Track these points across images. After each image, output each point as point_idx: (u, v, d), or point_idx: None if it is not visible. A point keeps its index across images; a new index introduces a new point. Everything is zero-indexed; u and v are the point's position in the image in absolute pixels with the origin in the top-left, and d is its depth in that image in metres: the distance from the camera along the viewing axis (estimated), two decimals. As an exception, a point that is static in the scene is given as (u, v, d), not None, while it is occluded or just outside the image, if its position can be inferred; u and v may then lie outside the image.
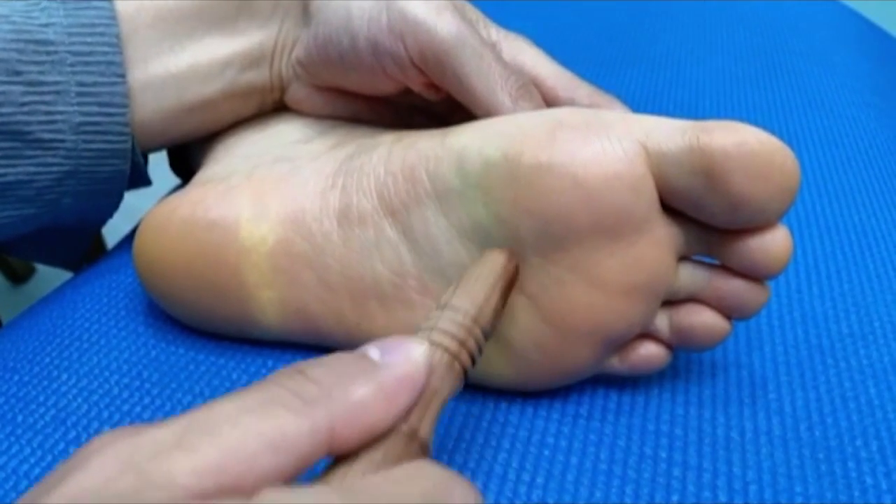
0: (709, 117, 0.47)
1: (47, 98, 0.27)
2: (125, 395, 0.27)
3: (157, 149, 0.33)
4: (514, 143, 0.23)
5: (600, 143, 0.22)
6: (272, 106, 0.33)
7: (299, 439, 0.15)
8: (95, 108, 0.28)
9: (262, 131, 0.32)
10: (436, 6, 0.27)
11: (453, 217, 0.24)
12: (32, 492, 0.15)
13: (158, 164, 0.39)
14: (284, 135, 0.31)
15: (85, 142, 0.28)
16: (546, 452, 0.25)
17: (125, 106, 0.28)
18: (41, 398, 0.27)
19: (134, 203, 0.36)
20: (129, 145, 0.29)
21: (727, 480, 0.24)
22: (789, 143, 0.45)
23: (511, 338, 0.25)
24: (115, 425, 0.26)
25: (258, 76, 0.31)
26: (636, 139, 0.22)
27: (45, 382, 0.28)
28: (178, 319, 0.30)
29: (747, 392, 0.27)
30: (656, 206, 0.23)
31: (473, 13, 0.31)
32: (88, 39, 0.28)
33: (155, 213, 0.29)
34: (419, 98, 0.30)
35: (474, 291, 0.22)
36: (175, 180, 0.40)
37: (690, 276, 0.24)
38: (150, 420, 0.26)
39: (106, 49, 0.28)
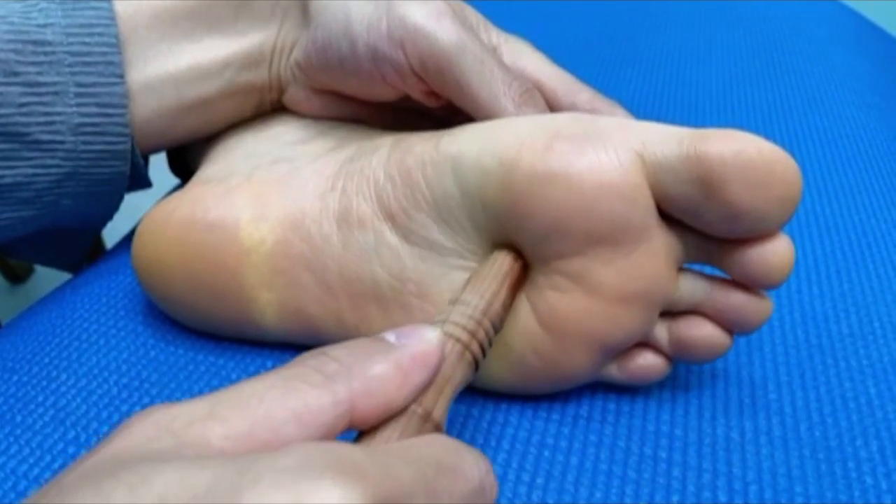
0: (709, 117, 0.47)
1: (46, 99, 0.27)
2: (124, 395, 0.27)
3: (156, 150, 0.33)
4: (510, 152, 0.23)
5: (596, 153, 0.22)
6: (271, 106, 0.33)
7: (322, 411, 0.17)
8: (94, 109, 0.28)
9: (262, 132, 0.32)
10: (436, 12, 0.27)
11: (452, 223, 0.24)
12: (79, 458, 0.16)
13: (158, 164, 0.39)
14: (284, 135, 0.31)
15: (84, 143, 0.28)
16: (546, 453, 0.25)
17: (124, 107, 0.28)
18: (40, 398, 0.27)
19: (134, 203, 0.36)
20: (128, 146, 0.29)
21: (727, 481, 0.24)
22: (789, 142, 0.45)
23: (510, 342, 0.25)
24: (114, 425, 0.26)
25: (257, 77, 0.31)
26: (632, 148, 0.22)
27: (45, 383, 0.28)
28: (177, 320, 0.29)
29: (747, 392, 0.27)
30: (653, 215, 0.23)
31: (474, 17, 0.30)
32: (87, 40, 0.27)
33: (154, 214, 0.29)
34: (419, 102, 0.30)
35: (483, 287, 0.23)
36: (174, 180, 0.40)
37: (690, 287, 0.24)
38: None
39: (105, 49, 0.28)
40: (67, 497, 0.14)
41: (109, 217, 0.32)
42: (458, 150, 0.24)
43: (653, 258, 0.23)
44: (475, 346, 0.21)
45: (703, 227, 0.23)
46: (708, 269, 0.25)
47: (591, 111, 0.29)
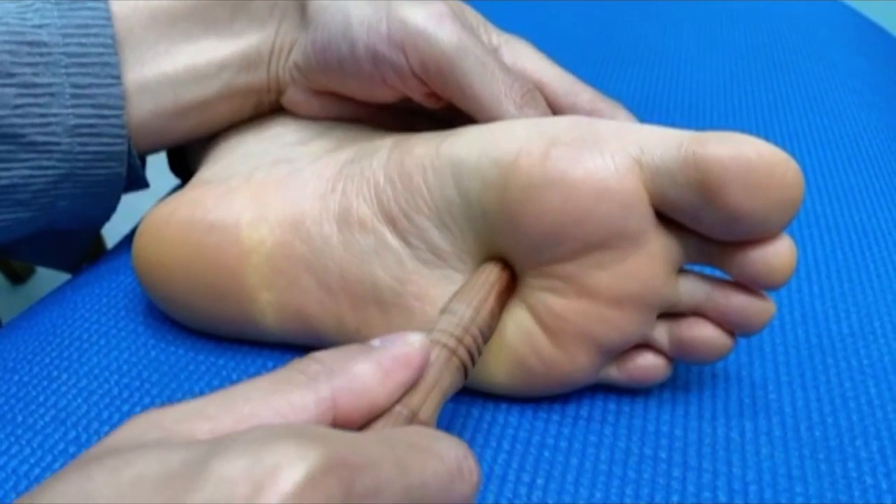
0: (709, 117, 0.47)
1: (41, 100, 0.27)
2: (125, 395, 0.27)
3: (153, 151, 0.33)
4: (509, 158, 0.23)
5: (592, 159, 0.22)
6: (269, 108, 0.33)
7: (305, 408, 0.17)
8: (90, 111, 0.28)
9: (262, 132, 0.32)
10: (436, 14, 0.27)
11: (453, 227, 0.24)
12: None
13: (158, 164, 0.39)
14: (284, 136, 0.31)
15: (80, 144, 0.28)
16: (546, 453, 0.25)
17: (121, 108, 0.28)
18: (41, 398, 0.27)
19: (134, 203, 0.36)
20: (124, 148, 0.29)
21: (727, 481, 0.24)
22: (789, 142, 0.44)
23: (508, 341, 0.25)
24: (115, 425, 0.26)
25: (255, 78, 0.31)
26: (630, 154, 0.22)
27: (45, 383, 0.28)
28: (177, 320, 0.29)
29: (747, 392, 0.27)
30: (650, 219, 0.23)
31: (474, 18, 0.30)
32: (83, 41, 0.27)
33: (154, 215, 0.29)
34: (419, 103, 0.30)
35: (471, 297, 0.23)
36: (174, 181, 0.40)
37: (690, 289, 0.24)
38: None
39: (101, 50, 0.28)
40: (56, 483, 0.14)
41: (107, 218, 0.32)
42: (457, 155, 0.24)
43: (649, 262, 0.23)
44: (462, 352, 0.22)
45: (702, 230, 0.23)
46: (709, 270, 0.25)
47: (593, 112, 0.29)
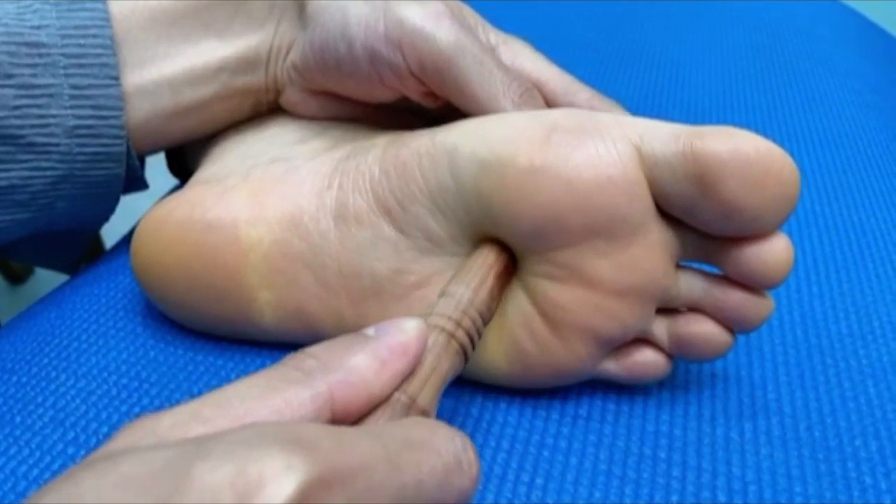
0: (708, 117, 0.47)
1: (40, 101, 0.27)
2: (124, 395, 0.27)
3: (152, 152, 0.32)
4: (507, 144, 0.23)
5: (594, 145, 0.22)
6: (268, 108, 0.33)
7: (301, 405, 0.17)
8: (89, 112, 0.28)
9: (260, 132, 0.32)
10: (434, 13, 0.27)
11: (448, 213, 0.24)
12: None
13: (157, 164, 0.39)
14: (281, 135, 0.31)
15: (79, 145, 0.28)
16: (546, 453, 0.25)
17: (119, 109, 0.28)
18: (40, 399, 0.27)
19: (133, 203, 0.36)
20: (123, 148, 0.29)
21: (727, 480, 0.24)
22: (788, 143, 0.45)
23: (508, 326, 0.25)
24: (114, 426, 0.26)
25: (253, 79, 0.31)
26: (630, 142, 0.22)
27: (44, 383, 0.28)
28: (177, 320, 0.29)
29: (747, 392, 0.27)
30: (651, 209, 0.23)
31: (472, 17, 0.30)
32: (81, 41, 0.27)
33: (152, 215, 0.29)
34: (416, 103, 0.30)
35: (469, 278, 0.23)
36: (173, 181, 0.40)
37: (688, 284, 0.24)
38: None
39: (99, 51, 0.28)
40: (46, 492, 0.14)
41: (105, 219, 0.32)
42: (454, 141, 0.24)
43: (650, 252, 0.23)
44: (461, 335, 0.21)
45: (699, 225, 0.23)
46: (706, 268, 0.25)
47: (590, 110, 0.29)
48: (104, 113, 0.28)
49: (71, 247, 0.34)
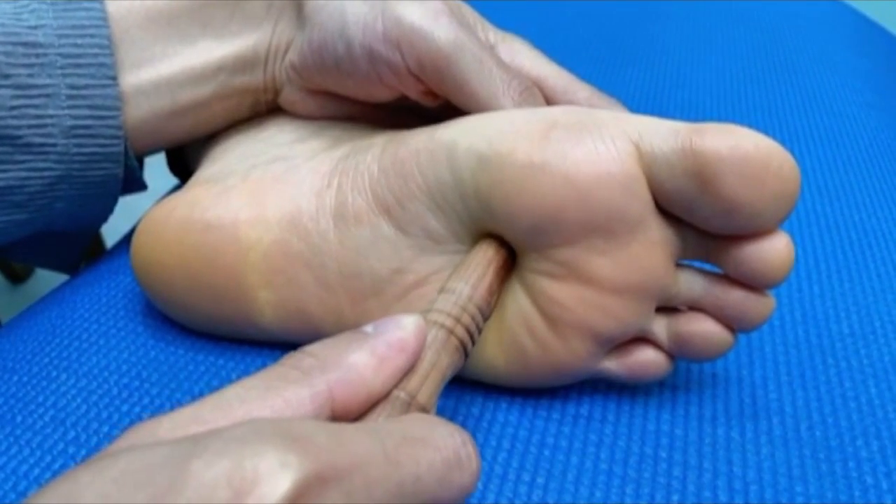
0: (708, 116, 0.47)
1: (37, 101, 0.27)
2: (124, 395, 0.27)
3: (150, 152, 0.32)
4: (506, 140, 0.23)
5: (593, 142, 0.22)
6: (266, 108, 0.33)
7: (301, 404, 0.17)
8: (87, 112, 0.28)
9: (259, 132, 0.32)
10: (433, 11, 0.27)
11: (447, 210, 0.24)
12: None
13: (157, 164, 0.39)
14: (280, 135, 0.31)
15: (76, 146, 0.28)
16: (546, 452, 0.25)
17: (117, 109, 0.28)
18: (40, 398, 0.27)
19: (133, 203, 0.36)
20: (121, 149, 0.29)
21: (727, 480, 0.24)
22: (789, 142, 0.44)
23: (507, 324, 0.24)
24: (114, 425, 0.26)
25: (251, 79, 0.31)
26: (629, 139, 0.22)
27: (45, 383, 0.28)
28: (177, 320, 0.29)
29: (747, 392, 0.27)
30: (650, 207, 0.23)
31: (471, 15, 0.30)
32: (79, 41, 0.27)
33: (152, 215, 0.29)
34: (415, 102, 0.30)
35: (468, 274, 0.23)
36: (173, 181, 0.40)
37: (688, 282, 0.24)
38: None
39: (97, 51, 0.27)
40: (46, 491, 0.14)
41: (104, 219, 0.32)
42: (452, 137, 0.24)
43: (649, 250, 0.23)
44: (460, 331, 0.21)
45: (699, 222, 0.23)
46: (707, 267, 0.25)
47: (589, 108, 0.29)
48: (102, 113, 0.28)
49: (70, 247, 0.34)
